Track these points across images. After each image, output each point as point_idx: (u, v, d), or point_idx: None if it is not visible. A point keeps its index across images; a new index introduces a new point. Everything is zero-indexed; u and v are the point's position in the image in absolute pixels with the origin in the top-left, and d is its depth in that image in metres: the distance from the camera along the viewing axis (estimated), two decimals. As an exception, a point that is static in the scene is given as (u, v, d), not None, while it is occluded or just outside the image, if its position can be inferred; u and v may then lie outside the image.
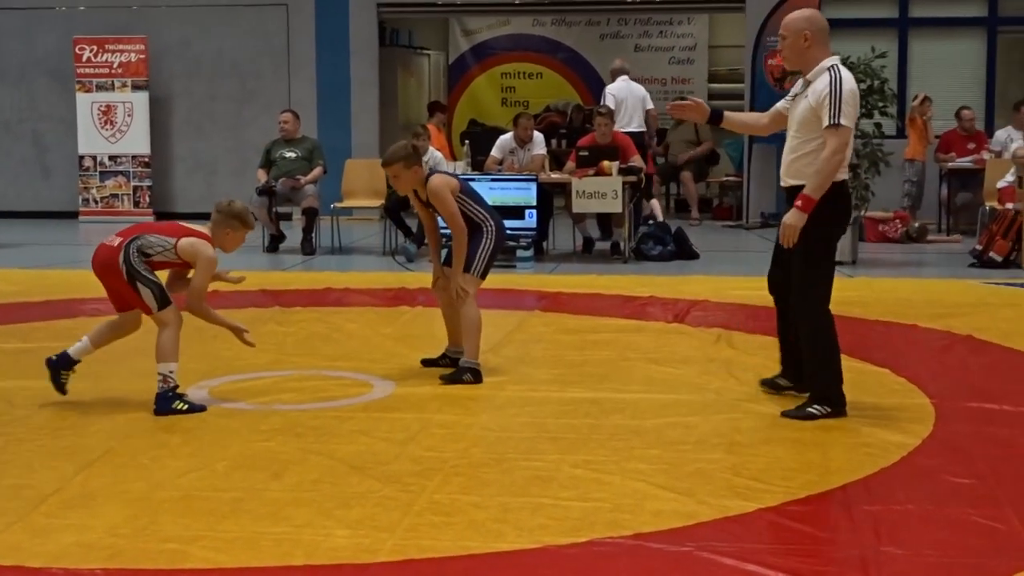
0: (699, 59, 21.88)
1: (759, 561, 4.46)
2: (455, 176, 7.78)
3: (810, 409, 6.50)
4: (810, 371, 6.65)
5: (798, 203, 6.37)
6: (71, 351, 6.91)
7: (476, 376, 7.41)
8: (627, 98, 15.84)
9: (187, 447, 6.02)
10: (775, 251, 6.86)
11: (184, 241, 6.78)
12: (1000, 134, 15.71)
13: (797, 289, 6.57)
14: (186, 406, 6.71)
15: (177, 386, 6.74)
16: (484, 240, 7.44)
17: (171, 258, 6.80)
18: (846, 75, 6.35)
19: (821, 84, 6.38)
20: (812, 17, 6.52)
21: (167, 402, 6.67)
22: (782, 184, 6.67)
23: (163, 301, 6.72)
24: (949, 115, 16.62)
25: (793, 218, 6.38)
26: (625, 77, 16.28)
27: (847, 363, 7.88)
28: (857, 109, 6.47)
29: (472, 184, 8.10)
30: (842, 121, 6.28)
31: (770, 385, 7.09)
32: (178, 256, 6.78)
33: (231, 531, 4.82)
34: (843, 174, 6.46)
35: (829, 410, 6.49)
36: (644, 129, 15.92)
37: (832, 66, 6.40)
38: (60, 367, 6.89)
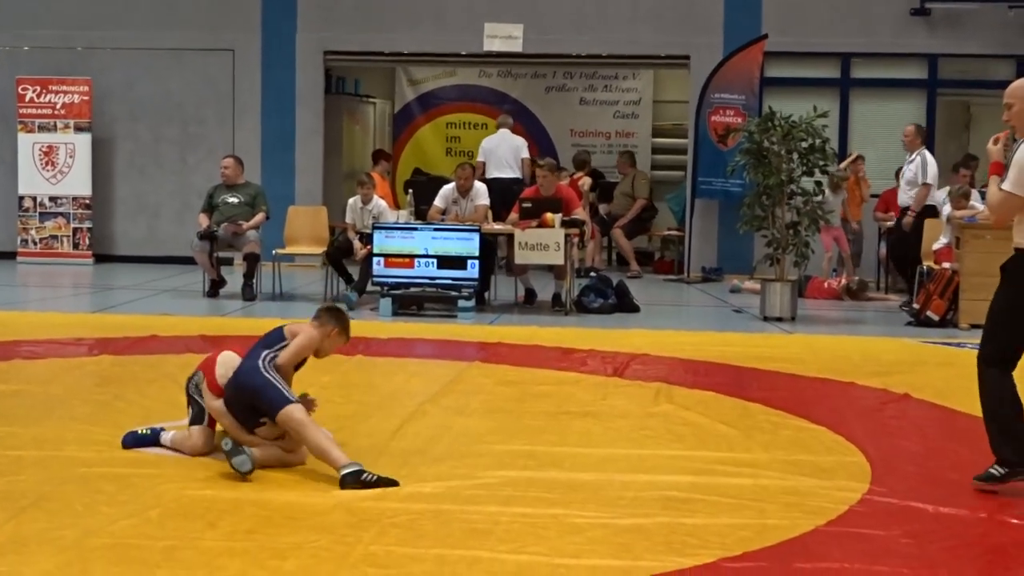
0: (643, 114, 22.02)
1: (694, 618, 4.47)
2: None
3: (991, 470, 6.23)
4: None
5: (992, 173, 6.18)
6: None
7: None
8: (497, 148, 16.98)
9: (122, 494, 5.94)
10: None
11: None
12: (938, 195, 15.84)
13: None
14: None
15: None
16: None
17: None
18: None
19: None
20: None
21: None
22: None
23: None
24: (889, 174, 16.83)
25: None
26: (504, 130, 17.36)
27: (785, 420, 7.95)
28: None
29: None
30: (1004, 185, 6.03)
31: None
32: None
33: (163, 580, 4.77)
34: None
35: (1005, 471, 6.18)
36: (519, 176, 16.71)
37: None
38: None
